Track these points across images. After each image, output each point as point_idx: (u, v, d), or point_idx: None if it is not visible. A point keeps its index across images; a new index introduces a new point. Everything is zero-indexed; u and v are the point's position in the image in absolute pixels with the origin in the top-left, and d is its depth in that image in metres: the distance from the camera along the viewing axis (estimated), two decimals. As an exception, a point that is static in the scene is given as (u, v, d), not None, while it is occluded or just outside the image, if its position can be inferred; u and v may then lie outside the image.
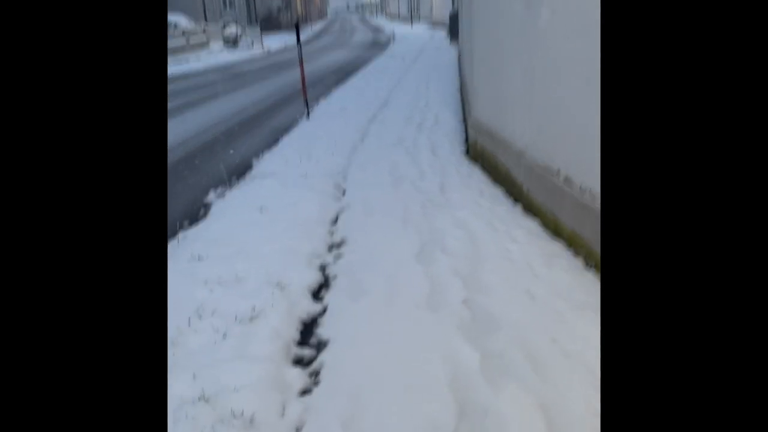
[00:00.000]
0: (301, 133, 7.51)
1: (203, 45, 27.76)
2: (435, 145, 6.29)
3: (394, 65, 15.81)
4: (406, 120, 7.87)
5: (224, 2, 34.56)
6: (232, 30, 27.31)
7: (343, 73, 15.56)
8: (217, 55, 24.01)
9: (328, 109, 9.20)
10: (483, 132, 5.12)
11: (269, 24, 46.69)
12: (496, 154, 4.67)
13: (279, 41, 32.36)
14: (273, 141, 7.47)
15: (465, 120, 7.55)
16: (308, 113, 8.59)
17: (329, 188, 4.95)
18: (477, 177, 4.96)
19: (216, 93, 12.44)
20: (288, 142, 7.12)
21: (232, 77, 15.82)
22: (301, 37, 8.23)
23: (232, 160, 6.62)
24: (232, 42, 27.03)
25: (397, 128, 7.39)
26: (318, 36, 39.55)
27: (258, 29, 28.84)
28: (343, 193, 4.94)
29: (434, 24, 41.49)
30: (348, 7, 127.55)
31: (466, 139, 6.59)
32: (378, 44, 27.92)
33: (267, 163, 6.04)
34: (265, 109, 10.11)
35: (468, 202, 4.32)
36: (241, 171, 6.09)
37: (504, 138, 4.57)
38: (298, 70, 16.38)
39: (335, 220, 4.34)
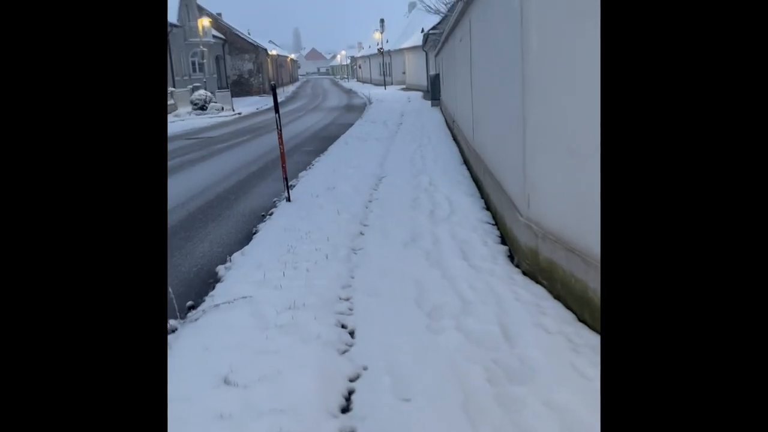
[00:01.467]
0: (280, 223, 5.84)
1: (172, 109, 26.36)
2: (464, 246, 4.68)
3: (377, 131, 14.43)
4: (412, 204, 6.30)
5: (193, 66, 33.40)
6: (200, 94, 25.95)
7: (322, 140, 14.13)
8: (184, 120, 22.54)
9: (312, 186, 7.62)
10: (552, 240, 3.53)
11: (240, 88, 45.83)
12: (585, 279, 3.08)
13: (250, 105, 31.23)
14: (245, 236, 5.79)
15: (489, 206, 5.99)
16: (288, 194, 6.98)
17: (330, 334, 3.25)
18: (551, 310, 3.33)
19: (173, 166, 10.78)
20: (264, 237, 5.44)
21: (197, 145, 14.23)
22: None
23: (187, 269, 4.90)
24: (200, 106, 25.64)
25: (404, 217, 5.79)
26: (291, 99, 38.62)
27: (228, 93, 27.53)
28: (352, 341, 3.25)
29: (408, 87, 41.08)
30: (318, 70, 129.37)
31: (500, 237, 4.99)
32: (354, 108, 26.88)
33: (236, 277, 4.33)
34: (234, 187, 8.48)
35: (560, 368, 2.68)
36: (199, 289, 4.37)
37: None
38: (271, 136, 14.89)
39: (347, 407, 2.64)
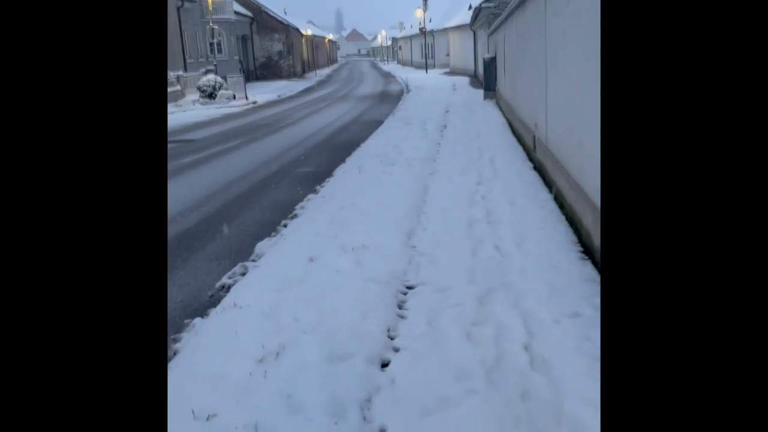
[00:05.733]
0: None
1: (178, 97, 22.57)
2: None
3: (411, 142, 10.04)
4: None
5: (212, 47, 29.46)
6: (208, 79, 22.01)
7: (333, 150, 9.92)
8: (185, 112, 18.65)
9: (237, 343, 3.42)
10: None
11: (268, 71, 42.10)
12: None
13: (272, 91, 27.26)
14: None
15: None
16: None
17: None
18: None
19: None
20: None
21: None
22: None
23: None
24: (209, 94, 21.71)
25: None
26: (321, 84, 34.46)
27: (241, 78, 23.52)
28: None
29: (452, 71, 36.45)
30: (359, 52, 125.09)
31: None
32: (388, 97, 22.52)
33: None
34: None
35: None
36: None
37: None
38: (275, 138, 11.06)
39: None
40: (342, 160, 8.82)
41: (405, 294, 3.69)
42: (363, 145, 10.12)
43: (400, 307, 3.50)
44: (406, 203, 5.85)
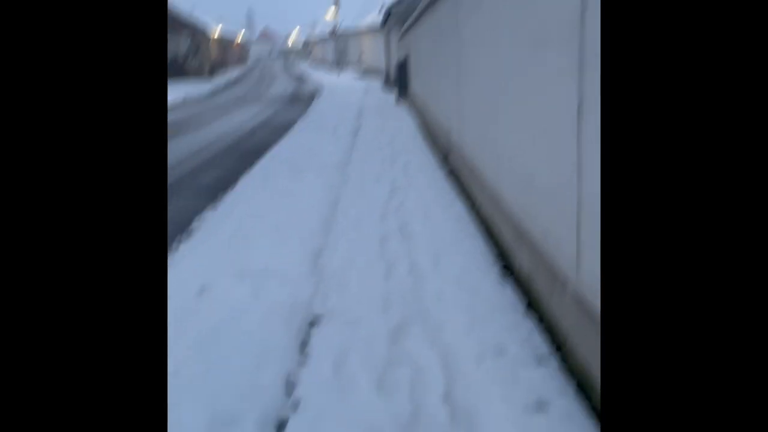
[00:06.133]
0: None
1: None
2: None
3: (322, 148, 9.57)
4: None
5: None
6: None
7: (239, 158, 9.27)
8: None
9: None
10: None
11: (174, 72, 40.16)
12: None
13: (178, 93, 25.87)
14: None
15: None
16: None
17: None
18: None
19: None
20: None
21: None
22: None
23: None
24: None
25: None
26: (230, 86, 33.18)
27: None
28: None
29: (365, 72, 36.20)
30: (270, 53, 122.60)
31: None
32: (300, 99, 21.90)
33: None
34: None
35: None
36: None
37: None
38: (182, 142, 10.24)
39: None
40: (248, 168, 8.21)
41: (310, 328, 3.23)
42: (271, 151, 9.54)
43: (303, 346, 3.03)
44: (315, 216, 5.38)
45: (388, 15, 23.23)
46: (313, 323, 3.30)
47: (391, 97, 18.47)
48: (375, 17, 32.24)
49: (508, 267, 3.84)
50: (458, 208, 5.38)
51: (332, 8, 42.46)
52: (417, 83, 12.57)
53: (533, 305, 3.23)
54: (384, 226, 4.97)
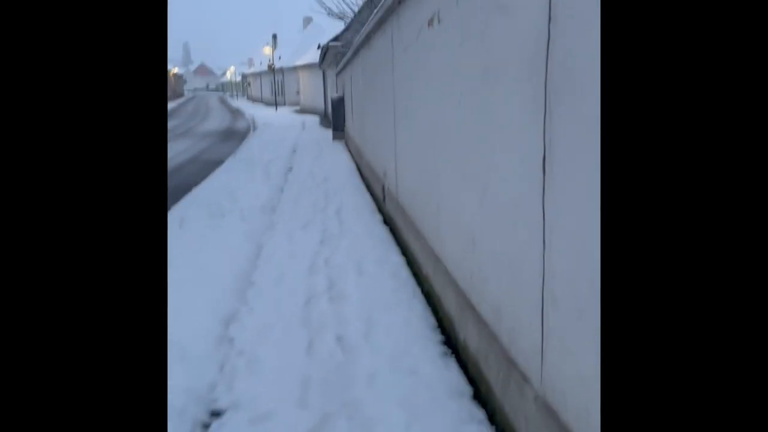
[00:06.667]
0: None
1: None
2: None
3: (250, 188, 8.88)
4: None
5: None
6: None
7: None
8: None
9: None
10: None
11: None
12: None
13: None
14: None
15: None
16: None
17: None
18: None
19: None
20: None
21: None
22: None
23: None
24: None
25: None
26: (160, 119, 31.80)
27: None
28: None
29: (303, 109, 35.76)
30: (207, 86, 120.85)
31: None
32: (234, 134, 21.10)
33: None
34: None
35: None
36: None
37: None
38: None
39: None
40: (174, 204, 7.44)
41: (206, 430, 2.56)
42: (194, 191, 8.78)
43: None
44: (232, 271, 4.70)
45: (326, 51, 22.96)
46: (213, 417, 2.63)
47: (329, 133, 18.00)
48: (313, 54, 32.01)
49: (451, 339, 3.29)
50: (395, 261, 4.83)
51: (269, 45, 42.08)
52: (353, 121, 12.14)
53: (482, 395, 2.67)
54: (311, 284, 4.35)
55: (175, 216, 6.85)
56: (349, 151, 13.28)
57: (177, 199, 8.18)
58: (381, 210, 6.85)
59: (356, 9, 16.98)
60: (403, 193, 5.19)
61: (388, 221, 6.23)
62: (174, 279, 4.34)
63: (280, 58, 45.03)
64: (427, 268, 4.00)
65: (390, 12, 5.04)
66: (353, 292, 4.14)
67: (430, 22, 3.51)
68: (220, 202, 7.57)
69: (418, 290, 4.14)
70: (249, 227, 6.24)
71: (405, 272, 4.54)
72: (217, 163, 12.43)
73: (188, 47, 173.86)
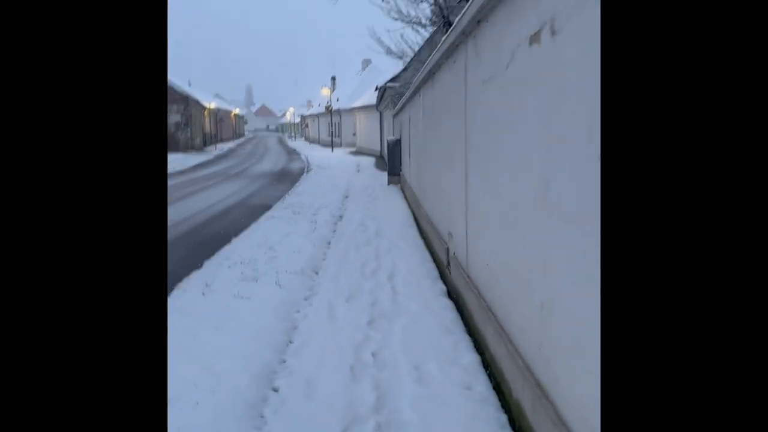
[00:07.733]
0: None
1: None
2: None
3: (292, 237, 7.88)
4: None
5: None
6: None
7: (191, 251, 7.51)
8: None
9: None
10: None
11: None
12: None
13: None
14: None
15: None
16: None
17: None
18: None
19: None
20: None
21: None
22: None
23: None
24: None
25: None
26: (219, 159, 31.90)
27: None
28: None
29: (358, 151, 35.22)
30: (267, 127, 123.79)
31: None
32: (287, 175, 20.48)
33: None
34: None
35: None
36: None
37: None
38: None
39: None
40: (194, 267, 6.47)
41: None
42: (232, 243, 7.85)
43: None
44: (248, 370, 3.56)
45: (383, 92, 22.27)
46: None
47: (384, 176, 17.04)
48: (371, 95, 31.56)
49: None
50: (466, 362, 3.59)
51: (327, 87, 42.15)
52: (410, 165, 11.07)
53: None
54: (353, 397, 3.17)
55: (201, 278, 5.84)
56: (405, 197, 12.20)
57: (212, 253, 7.25)
58: (443, 278, 5.64)
59: (416, 48, 16.12)
60: (476, 266, 3.98)
61: (452, 294, 5.02)
62: (181, 378, 3.23)
63: (338, 99, 45.08)
64: (520, 393, 2.75)
65: (465, 35, 3.94)
66: (409, 413, 2.94)
67: (535, 38, 2.37)
68: (255, 260, 6.55)
69: (503, 418, 2.89)
70: (283, 296, 5.14)
71: (481, 382, 3.30)
72: (265, 208, 11.60)
73: (251, 89, 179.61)
